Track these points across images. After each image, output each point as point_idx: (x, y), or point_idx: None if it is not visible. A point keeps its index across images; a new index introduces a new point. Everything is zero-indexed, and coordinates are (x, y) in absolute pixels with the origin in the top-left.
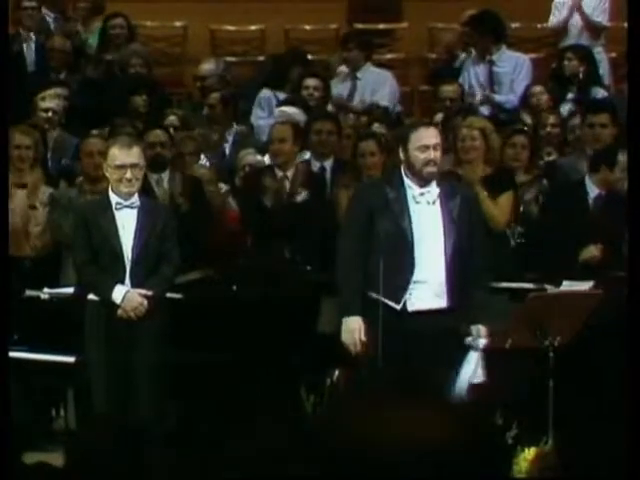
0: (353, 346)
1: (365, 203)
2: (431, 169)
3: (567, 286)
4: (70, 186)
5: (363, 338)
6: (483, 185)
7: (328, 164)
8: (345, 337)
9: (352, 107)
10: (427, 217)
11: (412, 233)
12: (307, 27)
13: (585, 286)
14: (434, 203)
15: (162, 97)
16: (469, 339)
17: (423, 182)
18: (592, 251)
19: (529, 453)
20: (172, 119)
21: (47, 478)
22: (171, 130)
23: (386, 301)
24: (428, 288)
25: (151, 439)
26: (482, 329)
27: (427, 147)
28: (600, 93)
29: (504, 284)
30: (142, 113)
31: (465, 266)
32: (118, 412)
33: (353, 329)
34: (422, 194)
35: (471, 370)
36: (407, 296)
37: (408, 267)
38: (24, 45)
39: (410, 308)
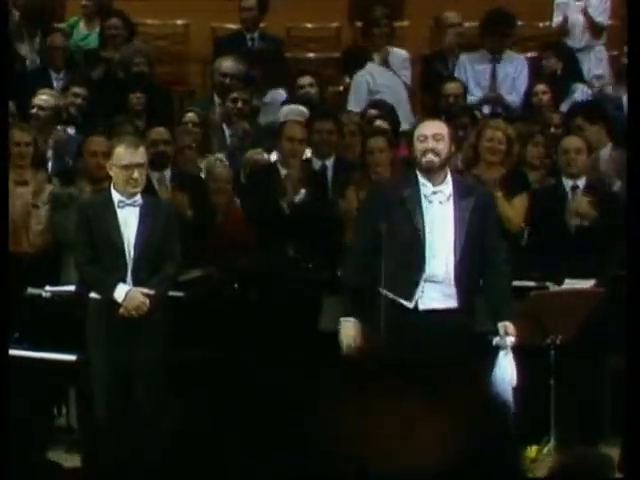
0: (347, 349)
1: (379, 201)
2: (429, 158)
3: (569, 284)
4: (66, 185)
5: (357, 342)
6: (499, 186)
7: (329, 163)
8: (341, 338)
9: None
10: (439, 216)
11: (424, 232)
12: (308, 25)
13: (587, 284)
14: (447, 201)
15: (163, 95)
16: (497, 338)
17: (435, 179)
18: (582, 201)
19: (530, 451)
20: (191, 116)
21: (48, 477)
22: (190, 126)
23: (398, 299)
24: (439, 287)
25: (152, 438)
26: (509, 326)
27: (426, 137)
28: (580, 89)
29: None
30: (139, 111)
31: (476, 266)
32: (120, 411)
33: (347, 334)
34: (435, 192)
35: (509, 373)
36: (419, 295)
37: (419, 266)
38: (25, 43)
39: (421, 307)
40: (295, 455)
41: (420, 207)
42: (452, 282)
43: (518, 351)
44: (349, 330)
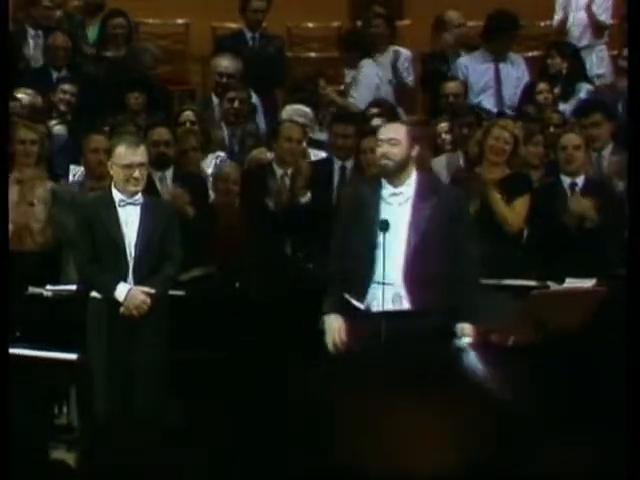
0: (333, 344)
1: (350, 202)
2: (383, 162)
3: (570, 284)
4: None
5: (343, 337)
6: (500, 187)
7: (349, 164)
8: (326, 337)
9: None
10: (395, 218)
11: (377, 234)
12: (309, 25)
13: (588, 284)
14: (406, 203)
15: (163, 95)
16: (456, 340)
17: (395, 180)
18: (583, 203)
19: None
20: (188, 114)
21: (49, 476)
22: (187, 125)
23: (352, 301)
24: (391, 290)
25: (152, 438)
26: (466, 327)
27: (382, 141)
28: (585, 89)
29: (507, 281)
30: (137, 111)
31: (434, 268)
32: (120, 410)
33: (332, 328)
34: (394, 194)
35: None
36: (370, 297)
37: (372, 267)
38: (28, 41)
39: (373, 309)
40: (295, 456)
41: (377, 209)
42: (404, 285)
43: (518, 351)
44: (333, 323)
